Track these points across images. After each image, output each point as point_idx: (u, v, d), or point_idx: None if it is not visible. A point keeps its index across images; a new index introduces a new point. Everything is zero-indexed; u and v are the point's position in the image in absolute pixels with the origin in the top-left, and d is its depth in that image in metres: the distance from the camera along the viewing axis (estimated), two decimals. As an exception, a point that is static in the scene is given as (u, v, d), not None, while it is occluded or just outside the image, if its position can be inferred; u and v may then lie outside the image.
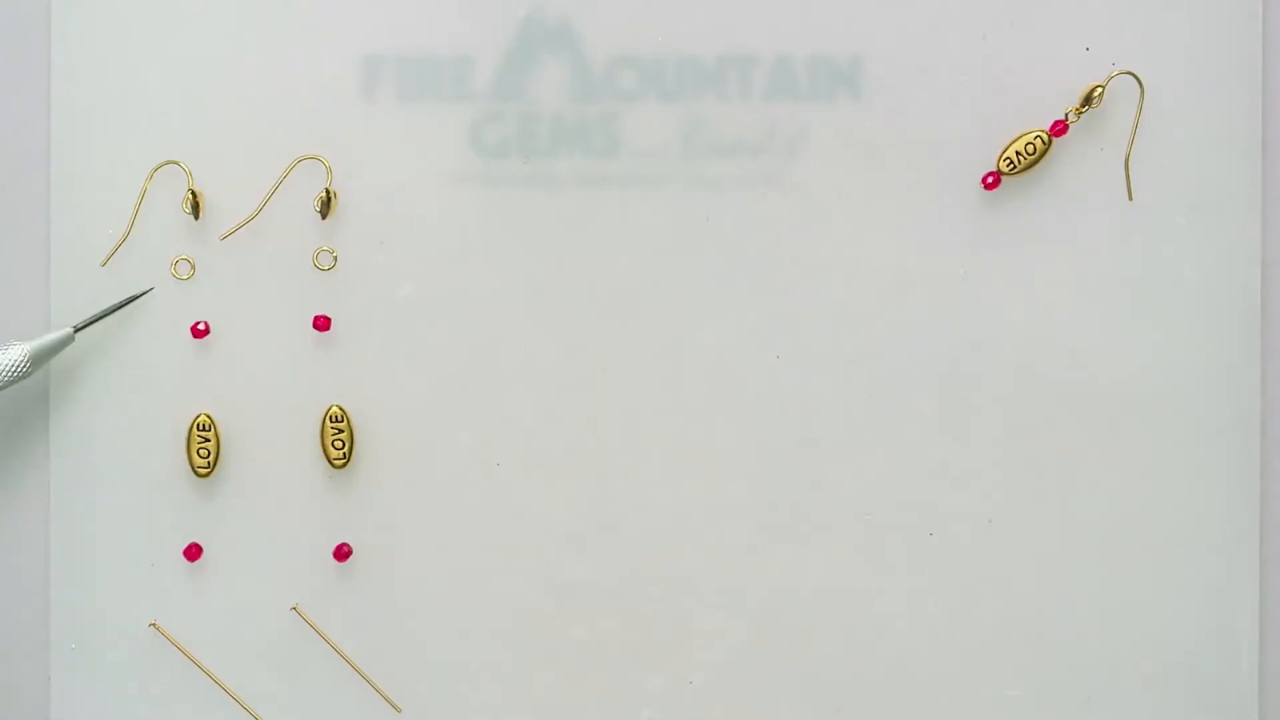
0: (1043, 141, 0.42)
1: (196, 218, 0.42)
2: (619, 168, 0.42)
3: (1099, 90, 0.42)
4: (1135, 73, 0.42)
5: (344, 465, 0.42)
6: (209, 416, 0.42)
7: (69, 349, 0.41)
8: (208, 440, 0.42)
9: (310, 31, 0.42)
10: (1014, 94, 0.42)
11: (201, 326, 0.42)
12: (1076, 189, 0.43)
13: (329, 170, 0.42)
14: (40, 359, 0.40)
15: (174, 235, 0.42)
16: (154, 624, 0.43)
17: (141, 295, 0.42)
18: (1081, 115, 0.42)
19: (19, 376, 0.40)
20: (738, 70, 0.42)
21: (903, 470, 0.43)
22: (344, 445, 0.42)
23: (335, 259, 0.42)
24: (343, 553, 0.43)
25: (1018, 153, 0.42)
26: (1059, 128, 0.42)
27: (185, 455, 0.42)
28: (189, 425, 0.42)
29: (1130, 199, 0.43)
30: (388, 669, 0.43)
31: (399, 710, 0.43)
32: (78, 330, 0.41)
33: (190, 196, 0.42)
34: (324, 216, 0.42)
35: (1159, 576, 0.43)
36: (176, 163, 0.42)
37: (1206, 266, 0.43)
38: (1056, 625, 0.43)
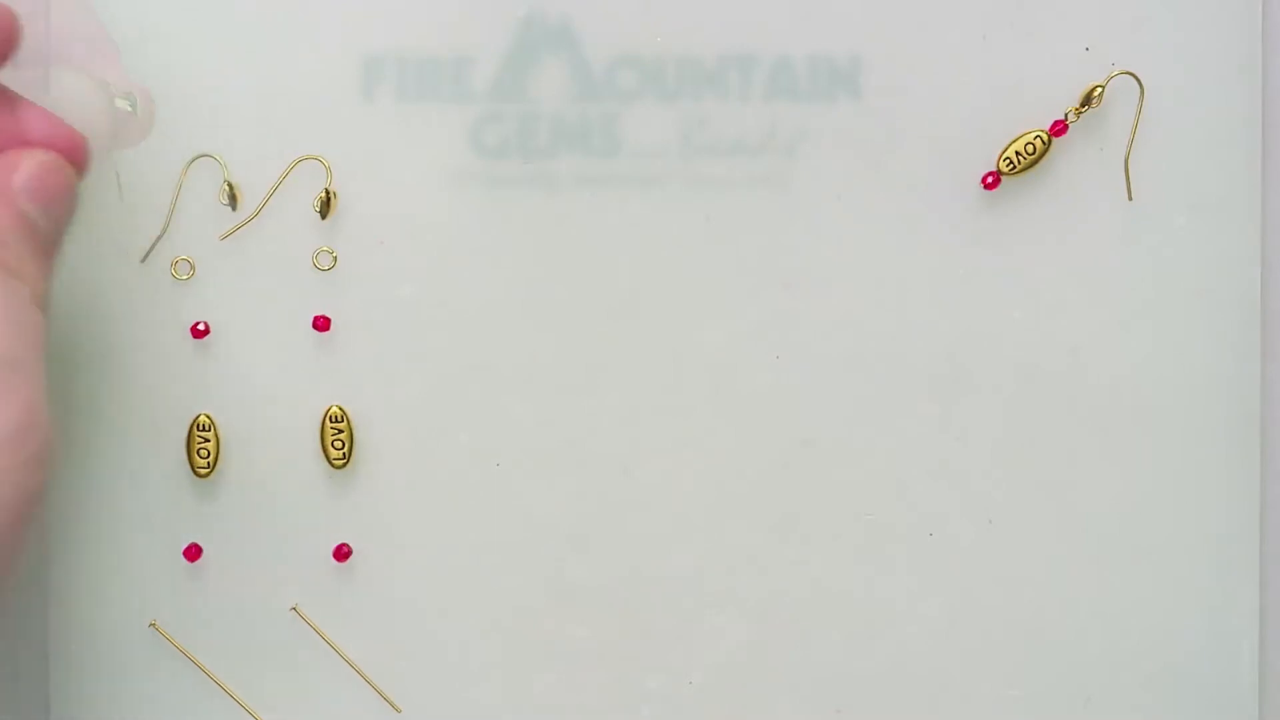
0: (1043, 141, 0.42)
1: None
2: (619, 168, 0.42)
3: (1099, 90, 0.42)
4: (1135, 73, 0.42)
5: (344, 465, 0.42)
6: (209, 416, 0.42)
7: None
8: (208, 440, 0.42)
9: (310, 31, 0.42)
10: (1014, 94, 0.42)
11: (201, 326, 0.42)
12: (1076, 189, 0.43)
13: (329, 170, 0.42)
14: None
15: (174, 235, 0.42)
16: (154, 624, 0.43)
17: None
18: (1081, 115, 0.42)
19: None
20: (738, 70, 0.42)
21: (903, 470, 0.43)
22: (344, 445, 0.42)
23: (335, 259, 0.42)
24: (343, 553, 0.43)
25: (1018, 153, 0.42)
26: (1059, 128, 0.42)
27: (185, 455, 0.42)
28: (189, 425, 0.42)
29: (1130, 199, 0.43)
30: (388, 669, 0.43)
31: (399, 710, 0.43)
32: None
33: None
34: (324, 216, 0.42)
35: (1159, 576, 0.43)
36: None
37: (1206, 266, 0.43)
38: (1056, 625, 0.43)
